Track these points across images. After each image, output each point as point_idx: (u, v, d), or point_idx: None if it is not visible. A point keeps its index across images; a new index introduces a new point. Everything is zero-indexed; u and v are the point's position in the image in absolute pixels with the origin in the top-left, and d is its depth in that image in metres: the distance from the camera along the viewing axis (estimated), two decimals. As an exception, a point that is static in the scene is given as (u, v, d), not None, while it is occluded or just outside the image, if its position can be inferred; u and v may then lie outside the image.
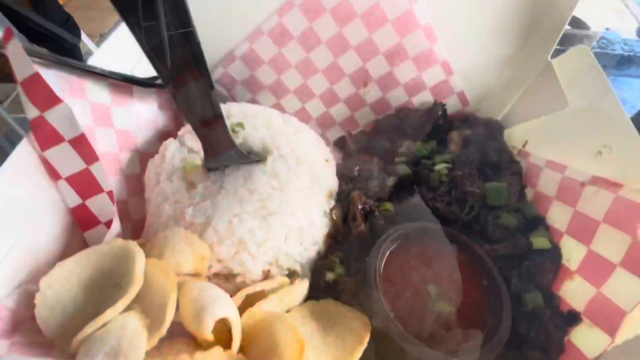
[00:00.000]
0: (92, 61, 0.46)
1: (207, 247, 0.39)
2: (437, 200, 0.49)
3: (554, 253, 0.44)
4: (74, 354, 0.30)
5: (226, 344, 0.33)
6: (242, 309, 0.36)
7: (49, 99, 0.34)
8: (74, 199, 0.40)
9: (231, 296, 0.37)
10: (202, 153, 0.44)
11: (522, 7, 0.49)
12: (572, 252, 0.43)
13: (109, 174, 0.44)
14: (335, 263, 0.44)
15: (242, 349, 0.34)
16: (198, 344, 0.34)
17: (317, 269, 0.45)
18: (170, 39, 0.27)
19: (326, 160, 0.53)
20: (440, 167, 0.54)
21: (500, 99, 0.60)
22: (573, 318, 0.40)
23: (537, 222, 0.48)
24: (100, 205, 0.41)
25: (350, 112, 0.64)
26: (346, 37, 0.52)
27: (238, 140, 0.47)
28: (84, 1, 3.03)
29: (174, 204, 0.42)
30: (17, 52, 0.32)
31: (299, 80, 0.59)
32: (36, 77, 0.33)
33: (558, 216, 0.46)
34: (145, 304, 0.34)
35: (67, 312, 0.33)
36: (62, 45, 1.80)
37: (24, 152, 0.37)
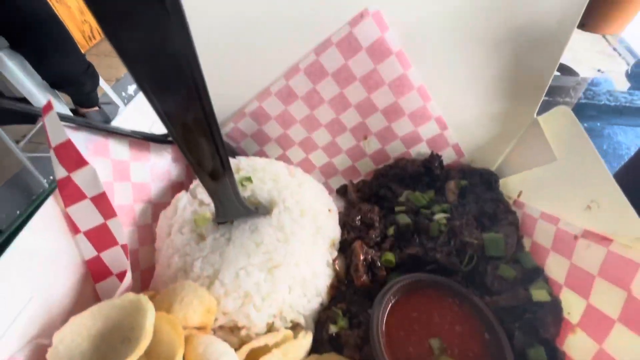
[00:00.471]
0: (116, 121, 0.51)
1: (214, 300, 0.40)
2: (437, 250, 0.51)
3: (554, 306, 0.45)
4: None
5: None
6: (246, 364, 0.37)
7: (77, 162, 0.38)
8: (90, 252, 0.42)
9: (235, 349, 0.38)
10: (212, 206, 0.47)
11: (505, 70, 0.53)
12: (572, 305, 0.43)
13: (124, 225, 0.46)
14: (338, 315, 0.45)
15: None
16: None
17: (320, 321, 0.45)
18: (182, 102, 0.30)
19: (329, 210, 0.56)
20: (439, 216, 0.56)
21: (493, 151, 0.64)
22: (578, 375, 0.39)
23: (535, 273, 0.49)
24: (114, 258, 0.43)
25: (351, 162, 0.67)
26: (347, 97, 0.57)
27: (246, 193, 0.51)
28: (103, 49, 3.27)
29: (184, 256, 0.44)
30: (53, 121, 0.37)
31: (303, 133, 0.63)
32: (68, 143, 0.37)
33: (555, 268, 0.47)
34: (153, 359, 0.35)
35: (76, 368, 0.34)
36: (82, 91, 1.93)
37: (50, 208, 0.40)
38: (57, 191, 0.40)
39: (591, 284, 0.41)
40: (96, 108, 2.10)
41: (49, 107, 0.36)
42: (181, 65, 0.25)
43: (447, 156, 0.64)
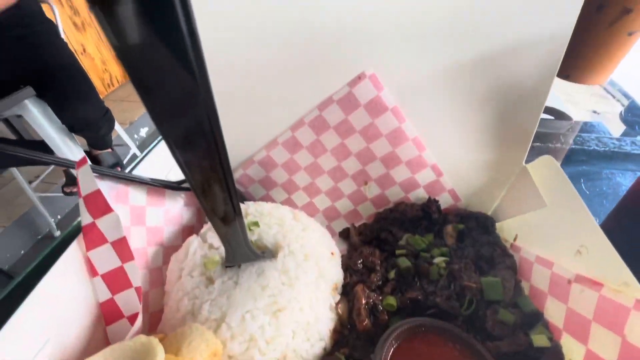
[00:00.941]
0: (137, 170, 0.55)
1: (220, 343, 0.42)
2: (438, 294, 0.52)
3: (555, 352, 0.45)
4: None
5: None
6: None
7: (103, 209, 0.42)
8: (105, 294, 0.45)
9: (240, 396, 0.38)
10: (221, 250, 0.50)
11: (493, 122, 0.58)
12: (573, 351, 0.44)
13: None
14: (341, 360, 0.45)
15: None
16: None
17: (324, 366, 0.46)
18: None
19: (332, 253, 0.58)
20: (439, 260, 0.58)
21: (488, 195, 0.67)
22: None
23: (535, 317, 0.50)
24: (127, 301, 0.45)
25: (353, 206, 0.71)
26: (348, 147, 0.62)
27: (253, 237, 0.54)
28: (119, 95, 3.47)
29: (193, 299, 0.46)
30: (86, 173, 0.41)
31: (307, 179, 0.67)
32: (97, 192, 0.41)
33: (554, 312, 0.48)
34: (159, 404, 0.36)
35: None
36: (98, 134, 2.03)
37: (73, 252, 0.43)
38: (80, 236, 0.44)
39: (588, 329, 0.42)
40: (109, 150, 2.20)
41: (83, 161, 0.41)
42: (203, 124, 0.29)
43: (445, 201, 0.68)
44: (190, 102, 0.27)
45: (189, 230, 0.62)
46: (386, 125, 0.58)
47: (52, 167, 2.48)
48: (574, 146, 0.97)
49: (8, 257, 2.31)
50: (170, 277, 0.52)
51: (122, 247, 0.44)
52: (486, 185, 0.66)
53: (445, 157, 0.63)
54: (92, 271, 0.44)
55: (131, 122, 3.17)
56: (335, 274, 0.55)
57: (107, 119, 2.03)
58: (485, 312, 0.50)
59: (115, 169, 0.51)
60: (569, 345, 0.45)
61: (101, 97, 2.08)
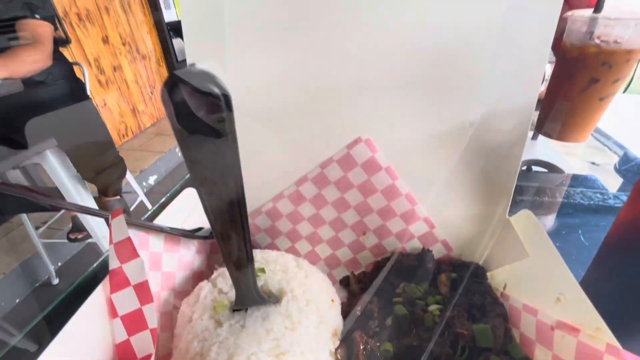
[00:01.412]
0: (158, 219, 0.62)
1: (227, 385, 0.44)
2: (432, 341, 0.55)
3: (546, 399, 0.47)
4: None
5: None
6: None
7: (131, 255, 0.47)
8: (122, 335, 0.48)
9: None
10: (230, 294, 0.54)
11: (476, 180, 0.66)
12: (563, 399, 0.46)
13: (150, 312, 0.53)
14: (341, 406, 0.47)
15: None
16: None
17: (324, 412, 0.47)
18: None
19: (332, 300, 0.62)
20: (433, 307, 0.61)
21: (478, 245, 0.72)
22: None
23: (526, 366, 0.52)
24: (141, 342, 0.48)
25: (352, 254, 0.75)
26: (347, 200, 0.69)
27: (260, 282, 0.58)
28: (132, 145, 3.66)
29: (202, 341, 0.49)
30: (119, 223, 0.47)
31: (310, 229, 0.73)
32: (127, 239, 0.47)
33: (542, 359, 0.51)
34: None
35: None
36: (109, 182, 2.12)
37: (98, 295, 0.47)
38: (106, 279, 0.49)
39: (573, 375, 0.45)
40: (118, 197, 2.28)
41: (118, 212, 0.48)
42: (229, 179, 0.35)
43: (438, 250, 0.72)
44: (221, 161, 0.34)
45: (199, 275, 0.67)
46: (381, 182, 0.66)
47: (60, 212, 2.54)
48: (564, 200, 1.04)
49: (2, 305, 2.27)
50: (180, 320, 0.55)
51: (143, 290, 0.48)
52: (476, 236, 0.71)
53: (437, 210, 0.70)
54: (113, 313, 0.48)
55: (142, 170, 3.31)
56: (335, 320, 0.58)
57: (120, 167, 2.14)
58: (477, 359, 0.52)
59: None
60: (559, 393, 0.47)
61: (116, 146, 2.22)
